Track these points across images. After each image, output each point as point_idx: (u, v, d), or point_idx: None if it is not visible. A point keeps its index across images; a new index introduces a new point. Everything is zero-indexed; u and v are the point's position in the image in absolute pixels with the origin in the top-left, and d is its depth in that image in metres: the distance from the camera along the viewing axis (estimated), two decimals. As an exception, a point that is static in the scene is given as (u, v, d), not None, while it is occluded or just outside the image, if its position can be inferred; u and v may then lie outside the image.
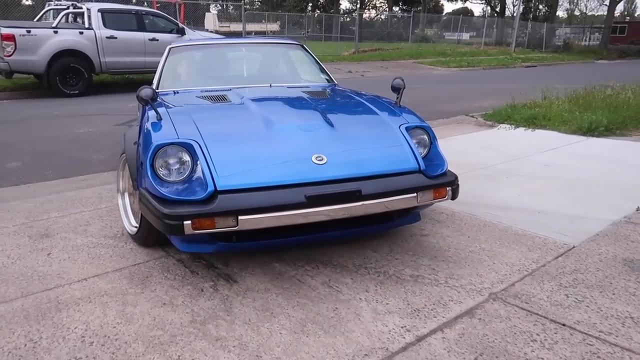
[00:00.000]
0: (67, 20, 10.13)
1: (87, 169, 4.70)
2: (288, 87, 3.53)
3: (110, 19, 9.71)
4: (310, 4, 45.92)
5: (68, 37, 9.15)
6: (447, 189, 2.45)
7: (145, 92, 2.65)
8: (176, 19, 17.87)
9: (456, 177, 2.56)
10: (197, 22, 23.73)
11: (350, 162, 2.37)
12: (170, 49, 4.01)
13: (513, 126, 6.62)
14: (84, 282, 2.46)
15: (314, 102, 3.00)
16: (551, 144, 5.58)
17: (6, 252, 2.82)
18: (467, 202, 3.53)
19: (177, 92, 3.49)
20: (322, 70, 4.09)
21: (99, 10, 9.52)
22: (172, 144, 2.36)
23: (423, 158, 2.53)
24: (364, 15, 39.80)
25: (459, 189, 2.60)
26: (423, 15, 33.46)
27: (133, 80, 11.01)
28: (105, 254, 2.78)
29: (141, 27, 10.07)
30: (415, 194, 2.33)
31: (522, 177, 4.26)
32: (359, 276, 2.48)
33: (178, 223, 2.11)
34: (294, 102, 3.01)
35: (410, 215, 2.64)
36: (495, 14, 38.45)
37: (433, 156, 2.63)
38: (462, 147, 5.57)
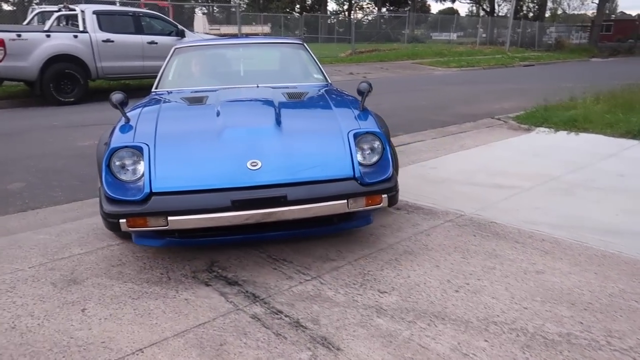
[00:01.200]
0: (59, 24, 9.45)
1: (102, 189, 4.10)
2: (273, 88, 3.47)
3: (106, 21, 9.05)
4: (298, 6, 45.36)
5: (62, 42, 8.46)
6: (383, 196, 2.44)
7: (116, 97, 2.85)
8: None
9: (396, 184, 2.55)
10: (185, 25, 23.00)
11: (284, 168, 2.42)
12: (175, 49, 4.11)
13: (552, 130, 6.17)
14: (139, 355, 1.89)
15: (283, 105, 3.00)
16: (606, 149, 5.13)
17: (28, 309, 2.23)
18: (564, 226, 3.04)
19: (170, 92, 3.59)
20: (319, 71, 4.02)
21: (94, 12, 8.86)
22: (126, 147, 2.51)
23: (374, 164, 2.55)
24: (352, 17, 39.43)
25: (398, 195, 2.59)
26: (412, 15, 33.12)
27: (129, 86, 10.35)
28: (155, 309, 2.21)
29: (139, 30, 9.42)
30: (345, 201, 2.36)
31: (603, 190, 3.78)
32: (493, 336, 1.96)
33: (115, 221, 2.30)
34: (263, 105, 3.00)
35: (357, 218, 2.66)
36: (486, 14, 38.28)
37: (383, 162, 2.59)
38: (511, 155, 5.09)
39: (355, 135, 2.59)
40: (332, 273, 2.54)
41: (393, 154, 2.86)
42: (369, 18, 41.88)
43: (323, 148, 2.57)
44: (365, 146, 2.61)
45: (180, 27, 10.01)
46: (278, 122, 2.70)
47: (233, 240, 2.66)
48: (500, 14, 45.14)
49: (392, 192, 2.50)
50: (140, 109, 3.06)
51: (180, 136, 2.67)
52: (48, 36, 8.33)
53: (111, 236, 3.06)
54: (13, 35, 7.99)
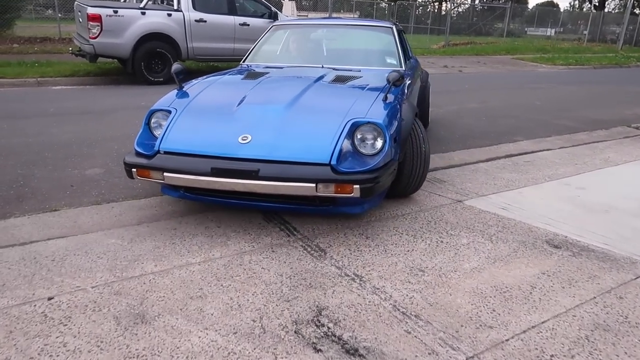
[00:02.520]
0: (155, 1, 9.22)
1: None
2: (334, 70, 3.64)
3: (200, 0, 8.68)
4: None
5: (155, 19, 8.17)
6: (354, 186, 2.39)
7: (174, 67, 3.25)
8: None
9: (375, 177, 2.44)
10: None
11: (267, 146, 2.52)
12: (272, 26, 4.54)
13: None
14: None
15: (315, 87, 3.14)
16: None
17: (81, 351, 1.65)
18: None
19: (249, 66, 4.04)
20: (397, 57, 4.03)
21: (188, -9, 8.50)
22: (161, 109, 2.89)
23: (374, 155, 2.54)
24: (446, 6, 37.50)
25: (378, 188, 2.49)
26: (509, 8, 30.70)
27: (218, 68, 9.98)
28: (245, 385, 1.54)
29: (232, 11, 8.97)
30: (314, 184, 2.38)
31: None
32: None
33: (129, 169, 2.67)
34: (297, 86, 3.14)
35: (346, 205, 2.65)
36: (593, 8, 34.83)
37: (379, 154, 2.54)
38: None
39: (356, 124, 2.60)
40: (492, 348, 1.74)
41: (419, 152, 3.01)
42: (460, 10, 39.71)
43: (314, 132, 2.62)
44: (367, 136, 2.60)
45: (273, 9, 9.46)
46: (293, 102, 2.86)
47: (231, 204, 2.76)
48: (607, 9, 41.05)
49: (367, 183, 2.40)
50: (201, 80, 3.46)
51: (206, 106, 2.97)
52: (143, 13, 8.07)
53: (190, 250, 2.46)
54: (110, 11, 7.79)
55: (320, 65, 3.76)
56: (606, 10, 38.21)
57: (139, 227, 2.80)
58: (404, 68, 3.89)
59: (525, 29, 42.38)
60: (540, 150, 4.90)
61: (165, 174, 2.55)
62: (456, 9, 39.65)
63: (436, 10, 39.02)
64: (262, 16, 9.30)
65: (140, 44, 8.05)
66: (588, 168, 4.23)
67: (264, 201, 2.65)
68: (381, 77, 3.26)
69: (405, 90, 3.36)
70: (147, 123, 2.88)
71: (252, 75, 3.56)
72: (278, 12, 9.49)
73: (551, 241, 2.64)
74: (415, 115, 3.20)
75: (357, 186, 2.39)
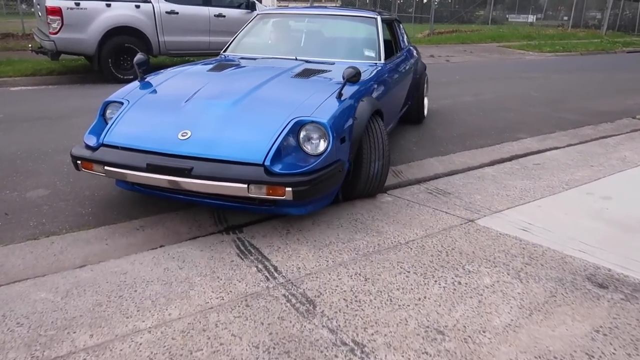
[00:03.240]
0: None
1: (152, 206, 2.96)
2: (306, 62, 3.54)
3: (171, -11, 7.99)
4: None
5: (122, 12, 7.47)
6: (287, 189, 2.27)
7: (137, 57, 3.15)
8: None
9: (310, 180, 2.30)
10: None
11: (204, 143, 2.44)
12: (257, 14, 4.47)
13: None
14: None
15: (279, 82, 3.06)
16: None
17: None
18: None
19: (224, 57, 3.98)
20: (376, 50, 3.82)
21: (158, -20, 7.79)
22: (115, 101, 2.89)
23: (318, 155, 2.42)
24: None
25: (315, 192, 2.36)
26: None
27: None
28: None
29: (206, 1, 8.29)
30: (246, 185, 2.28)
31: None
32: None
33: (75, 162, 2.67)
34: (262, 79, 3.04)
35: (286, 206, 2.51)
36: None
37: (321, 155, 2.41)
38: None
39: (299, 123, 2.49)
40: None
41: (377, 151, 2.89)
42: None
43: (254, 129, 2.51)
44: (312, 135, 2.49)
45: (250, -2, 8.79)
46: (244, 97, 2.77)
47: (173, 199, 2.71)
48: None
49: (300, 186, 2.29)
50: (168, 70, 3.41)
51: (159, 99, 2.92)
52: (108, 5, 7.35)
53: (141, 308, 1.88)
54: (71, 3, 7.06)
55: (294, 57, 3.66)
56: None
57: (81, 271, 2.21)
58: (382, 61, 3.72)
59: (507, 16, 42.13)
60: (548, 150, 4.41)
61: (105, 167, 2.52)
62: (436, -2, 39.09)
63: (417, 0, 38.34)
64: (239, 7, 8.65)
65: (107, 39, 7.37)
66: (606, 171, 3.74)
67: (208, 198, 2.55)
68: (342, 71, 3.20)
69: (372, 86, 3.22)
70: (102, 114, 2.87)
71: (220, 66, 3.47)
72: (256, 1, 8.83)
73: (594, 278, 2.12)
74: (376, 112, 3.02)
75: (290, 189, 2.28)
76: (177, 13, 7.92)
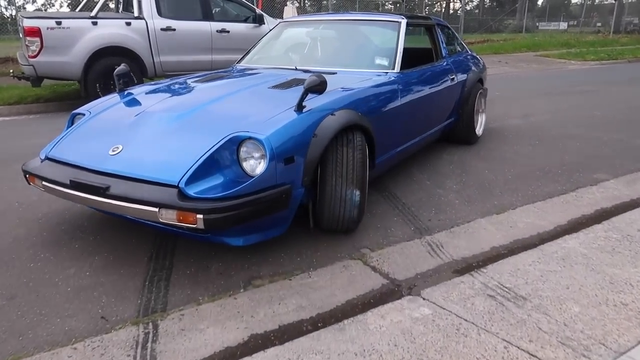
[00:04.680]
0: (116, 8, 7.57)
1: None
2: (303, 72, 3.18)
3: (166, 4, 7.01)
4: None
5: (111, 30, 6.50)
6: (197, 216, 1.91)
7: (118, 68, 3.07)
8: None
9: (226, 208, 1.94)
10: (274, 16, 21.11)
11: (129, 160, 2.20)
12: (279, 22, 4.31)
13: None
14: None
15: (248, 93, 2.80)
16: None
17: None
18: None
19: (232, 68, 3.75)
20: (394, 58, 3.27)
21: (152, -7, 6.82)
22: (80, 113, 2.74)
23: (257, 176, 2.05)
24: (450, 6, 35.59)
25: (228, 222, 1.97)
26: (522, 1, 28.63)
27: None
28: None
29: (207, 16, 7.27)
30: (157, 209, 1.97)
31: None
32: None
33: (25, 176, 2.51)
34: (230, 90, 2.84)
35: (223, 233, 2.13)
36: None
37: (256, 177, 2.05)
38: None
39: (237, 139, 2.13)
40: None
41: (344, 177, 2.38)
42: (467, 8, 37.60)
43: (186, 145, 2.19)
44: (254, 154, 2.12)
45: (258, 11, 7.74)
46: (195, 110, 2.49)
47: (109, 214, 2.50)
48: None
49: (212, 214, 1.90)
50: (152, 83, 3.35)
51: (116, 112, 2.67)
52: (94, 23, 6.40)
53: None
54: (51, 22, 6.14)
55: (294, 67, 3.35)
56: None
57: None
58: (396, 70, 3.23)
59: (537, 24, 40.39)
60: (645, 198, 3.10)
61: (43, 182, 2.34)
62: (465, 6, 37.60)
63: (444, 10, 36.99)
64: (245, 20, 7.60)
65: (94, 61, 6.40)
66: None
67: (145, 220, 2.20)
68: (350, 81, 2.93)
69: (359, 98, 2.71)
70: (69, 127, 2.71)
71: (206, 79, 3.30)
72: (264, 14, 7.77)
73: None
74: (355, 128, 2.49)
75: (201, 216, 1.90)
76: (174, 30, 6.92)
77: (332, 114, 2.39)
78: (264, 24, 7.63)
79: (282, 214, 2.22)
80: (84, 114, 2.68)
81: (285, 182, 2.14)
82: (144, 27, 6.72)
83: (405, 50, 3.35)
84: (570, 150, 4.32)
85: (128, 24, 6.62)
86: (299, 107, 2.33)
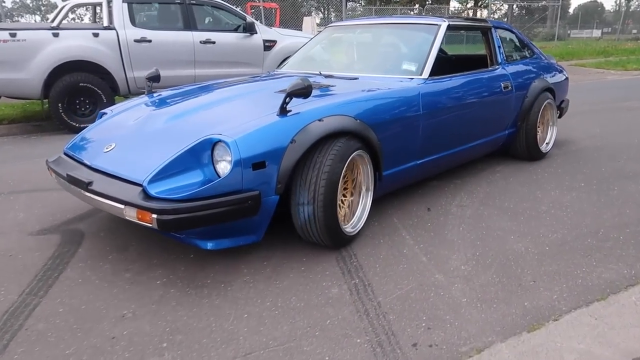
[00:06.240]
0: (92, 18, 6.69)
1: None
2: (326, 77, 3.15)
3: (141, 12, 6.09)
4: (417, 5, 40.77)
5: (75, 42, 5.59)
6: (152, 216, 1.91)
7: (149, 72, 3.08)
8: (272, 24, 14.31)
9: (178, 209, 1.91)
10: (293, 28, 20.22)
11: (117, 157, 2.29)
12: (326, 27, 4.25)
13: None
14: None
15: (251, 97, 2.81)
16: None
17: None
18: None
19: (268, 74, 3.70)
20: (424, 63, 3.04)
21: (124, 0, 5.89)
22: (104, 112, 2.90)
23: (222, 176, 2.02)
24: (483, 12, 34.10)
25: (182, 224, 1.93)
26: (553, 8, 26.93)
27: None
28: None
29: (189, 25, 6.29)
30: (123, 206, 2.01)
31: None
32: None
33: (47, 168, 2.65)
34: (236, 93, 2.88)
35: (193, 234, 2.11)
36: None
37: (221, 178, 2.01)
38: None
39: (209, 142, 2.10)
40: None
41: (314, 187, 2.18)
42: (495, 16, 35.98)
43: (161, 147, 2.21)
44: (225, 157, 2.07)
45: (249, 19, 6.72)
46: (193, 111, 2.52)
47: None
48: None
49: (165, 214, 1.90)
50: (182, 86, 3.35)
51: (131, 112, 2.73)
52: (56, 35, 5.51)
53: None
54: (4, 34, 5.27)
55: (318, 72, 3.27)
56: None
57: None
58: (424, 77, 2.96)
59: (569, 32, 38.49)
60: None
61: (53, 175, 2.50)
62: (492, 15, 35.96)
63: (471, 17, 35.46)
64: (235, 30, 6.61)
65: (55, 77, 5.50)
66: None
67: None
68: (366, 86, 2.78)
69: (361, 104, 2.52)
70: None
71: (227, 83, 3.23)
72: (256, 22, 6.75)
73: None
74: (343, 134, 2.31)
75: (155, 217, 1.91)
76: (150, 41, 5.96)
77: (319, 120, 2.27)
78: (256, 33, 6.63)
79: (254, 220, 2.14)
80: (106, 113, 2.84)
81: (253, 188, 2.07)
82: (115, 39, 5.79)
83: (450, 56, 3.26)
84: (633, 200, 3.09)
85: (96, 35, 5.69)
86: (281, 111, 2.24)
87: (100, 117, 2.87)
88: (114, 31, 5.79)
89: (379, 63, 3.41)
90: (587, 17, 43.91)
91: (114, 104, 6.16)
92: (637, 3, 42.31)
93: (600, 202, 3.05)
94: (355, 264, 2.28)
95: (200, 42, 6.26)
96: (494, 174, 3.63)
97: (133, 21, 5.91)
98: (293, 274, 2.19)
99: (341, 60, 3.82)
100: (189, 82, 6.06)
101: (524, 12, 35.49)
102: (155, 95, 3.05)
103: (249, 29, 6.57)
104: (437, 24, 3.30)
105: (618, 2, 47.92)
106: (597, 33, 39.14)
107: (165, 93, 3.09)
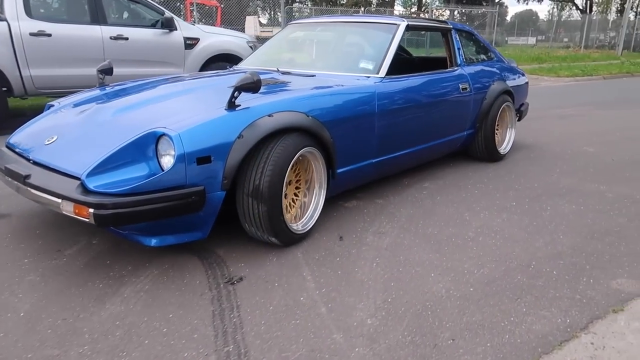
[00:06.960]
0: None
1: None
2: (282, 73, 3.09)
3: (38, 2, 5.31)
4: (362, 9, 40.86)
5: (-46, 35, 4.77)
6: (90, 210, 1.83)
7: (102, 64, 3.01)
8: (212, 23, 13.58)
9: (114, 204, 1.83)
10: (237, 28, 19.45)
11: (57, 150, 2.20)
12: (288, 24, 4.13)
13: None
14: None
15: (200, 91, 2.75)
16: None
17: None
18: None
19: (227, 69, 3.71)
20: (381, 62, 3.00)
21: (17, -12, 5.09)
22: (51, 105, 2.82)
23: (165, 171, 1.92)
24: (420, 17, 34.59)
25: (119, 219, 1.85)
26: (491, 15, 27.69)
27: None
28: None
29: (97, 18, 5.56)
30: (60, 200, 1.93)
31: None
32: None
33: None
34: (187, 87, 2.83)
35: (136, 230, 2.03)
36: (580, 13, 32.11)
37: (164, 173, 1.92)
38: None
39: (153, 135, 2.01)
40: None
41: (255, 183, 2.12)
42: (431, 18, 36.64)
43: (103, 141, 2.12)
44: (170, 151, 1.99)
45: (167, 13, 6.06)
46: (137, 105, 2.43)
47: None
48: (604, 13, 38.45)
49: (101, 209, 1.82)
50: (135, 80, 3.20)
51: (77, 105, 2.66)
52: None
53: None
54: None
55: (276, 69, 3.19)
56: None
57: None
58: (380, 75, 2.94)
59: (506, 39, 39.94)
60: None
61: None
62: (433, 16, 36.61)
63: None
64: (153, 25, 5.93)
65: None
66: None
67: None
68: (322, 84, 2.75)
69: (311, 99, 2.47)
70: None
71: (178, 78, 3.17)
72: (175, 17, 6.10)
73: None
74: (294, 130, 2.27)
75: (92, 211, 1.84)
76: (50, 35, 5.19)
77: (269, 115, 2.21)
78: (176, 29, 5.99)
79: (199, 217, 2.06)
80: (54, 105, 2.78)
81: (197, 183, 1.99)
82: (6, 31, 4.98)
83: (411, 57, 3.23)
84: (567, 222, 2.78)
85: (-20, 27, 4.87)
86: (229, 106, 2.18)
87: (48, 109, 2.77)
88: (4, 23, 4.98)
89: (337, 61, 3.39)
90: (523, 24, 45.84)
91: (6, 106, 5.40)
92: (567, 13, 44.63)
93: (532, 225, 2.71)
94: (236, 320, 1.78)
95: (111, 37, 5.55)
96: (421, 192, 3.25)
97: (29, 12, 5.12)
98: (150, 339, 1.66)
99: (301, 57, 3.82)
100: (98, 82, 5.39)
101: (464, 18, 36.42)
102: (107, 88, 2.96)
103: (167, 25, 5.92)
104: (396, 24, 3.29)
105: (551, 11, 50.43)
106: (532, 40, 40.85)
107: (117, 86, 3.00)
